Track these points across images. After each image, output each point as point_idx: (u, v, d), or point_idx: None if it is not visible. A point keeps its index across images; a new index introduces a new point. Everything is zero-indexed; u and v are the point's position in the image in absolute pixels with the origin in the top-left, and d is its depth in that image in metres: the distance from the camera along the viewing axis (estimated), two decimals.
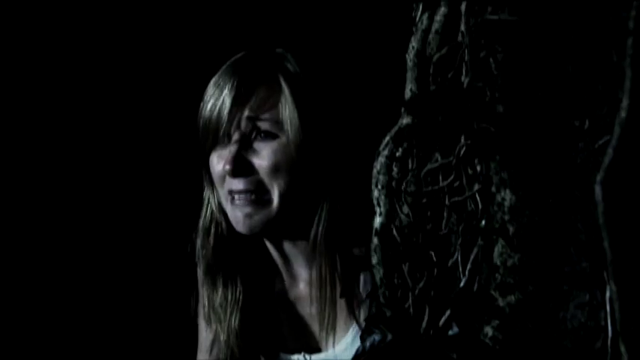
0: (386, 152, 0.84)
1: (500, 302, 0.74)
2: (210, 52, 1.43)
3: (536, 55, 0.70)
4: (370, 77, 1.49)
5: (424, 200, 0.87)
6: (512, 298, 0.73)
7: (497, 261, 0.75)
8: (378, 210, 0.82)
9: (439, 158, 0.84)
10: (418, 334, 0.79)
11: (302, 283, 1.17)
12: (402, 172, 0.87)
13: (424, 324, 0.83)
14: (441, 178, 0.84)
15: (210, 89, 1.12)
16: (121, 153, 1.59)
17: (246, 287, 1.18)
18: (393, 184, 0.86)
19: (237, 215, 1.11)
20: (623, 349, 0.71)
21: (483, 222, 0.75)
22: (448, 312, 0.81)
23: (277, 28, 1.53)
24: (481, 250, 0.78)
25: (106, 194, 1.59)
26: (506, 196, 0.73)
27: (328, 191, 1.11)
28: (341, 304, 1.11)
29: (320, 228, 1.10)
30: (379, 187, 0.83)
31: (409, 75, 0.83)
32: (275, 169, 1.09)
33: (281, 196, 1.09)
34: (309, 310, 1.16)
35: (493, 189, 0.74)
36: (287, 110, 1.09)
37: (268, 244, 1.18)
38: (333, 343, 1.12)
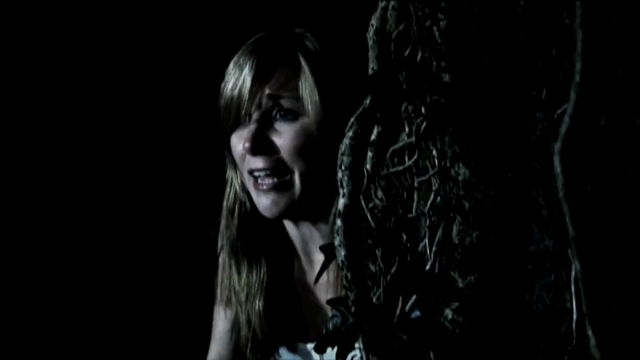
0: (350, 133, 0.82)
1: (460, 283, 0.71)
2: (228, 33, 1.43)
3: (483, 21, 0.67)
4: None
5: (395, 183, 0.85)
6: (471, 278, 0.70)
7: (456, 240, 0.72)
8: (341, 191, 0.81)
9: (405, 138, 0.82)
10: (380, 317, 0.76)
11: (316, 267, 1.16)
12: (376, 155, 0.85)
13: (394, 310, 0.80)
14: (407, 158, 0.82)
15: (231, 69, 1.13)
16: (139, 138, 1.61)
17: (269, 268, 1.18)
18: (368, 167, 0.84)
19: (263, 202, 1.12)
20: (589, 331, 0.66)
21: (439, 199, 0.72)
22: (414, 296, 0.78)
23: (293, 9, 1.52)
24: (443, 229, 0.75)
25: (123, 183, 1.61)
26: (460, 170, 0.70)
27: None
28: None
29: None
30: (342, 168, 0.81)
31: (370, 54, 0.81)
32: (297, 150, 1.09)
33: (302, 178, 1.10)
34: (326, 296, 1.16)
35: (447, 164, 0.71)
36: (307, 88, 1.09)
37: (288, 227, 1.18)
38: None
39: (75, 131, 1.59)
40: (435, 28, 0.68)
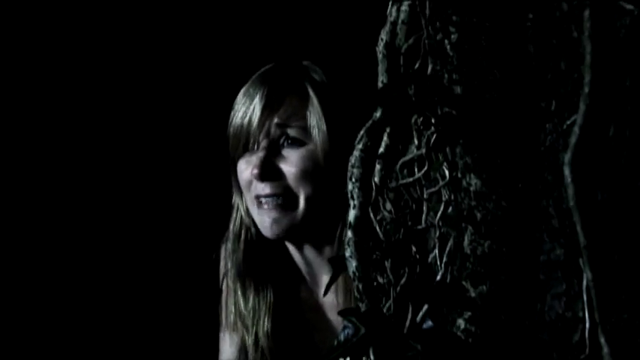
0: (360, 146, 0.83)
1: (472, 293, 0.71)
2: (232, 65, 1.46)
3: (493, 33, 0.69)
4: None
5: (405, 195, 0.86)
6: (483, 288, 0.70)
7: (468, 249, 0.72)
8: (352, 203, 0.81)
9: (415, 150, 0.83)
10: (392, 328, 0.77)
11: (323, 289, 1.18)
12: (385, 167, 0.86)
13: (404, 320, 0.81)
14: (416, 170, 0.83)
15: (241, 98, 1.17)
16: (145, 160, 1.62)
17: (276, 292, 1.19)
18: (376, 180, 0.85)
19: (265, 220, 1.15)
20: (602, 340, 0.67)
21: (450, 209, 0.73)
22: (426, 307, 0.79)
23: (297, 41, 1.55)
24: (454, 240, 0.76)
25: (127, 202, 1.62)
26: (472, 181, 0.71)
27: None
28: None
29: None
30: (353, 180, 0.82)
31: (380, 67, 0.82)
32: (302, 175, 1.12)
33: (307, 201, 1.12)
34: (334, 317, 1.17)
35: (459, 174, 0.72)
36: (315, 118, 1.12)
37: (292, 251, 1.20)
38: None
39: (80, 140, 1.60)
40: (446, 41, 0.69)
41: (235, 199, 1.22)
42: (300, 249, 1.19)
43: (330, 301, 1.18)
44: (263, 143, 1.13)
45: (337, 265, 0.89)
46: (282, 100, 1.13)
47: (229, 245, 1.21)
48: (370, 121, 0.83)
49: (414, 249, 0.84)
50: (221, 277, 1.26)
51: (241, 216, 1.21)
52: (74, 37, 1.59)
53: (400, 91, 0.80)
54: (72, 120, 1.60)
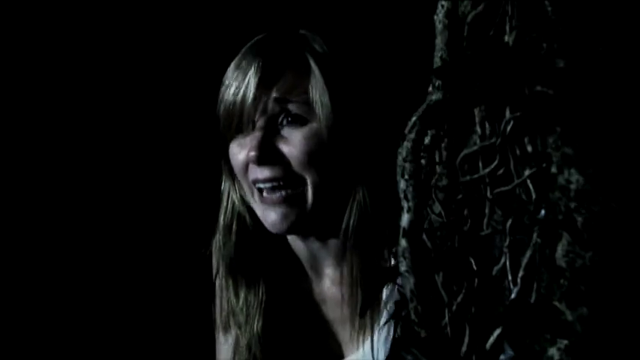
0: (413, 135, 0.68)
1: (569, 316, 0.58)
2: (223, 38, 1.30)
3: None
4: (405, 56, 1.34)
5: (459, 195, 0.71)
6: (583, 310, 0.57)
7: (562, 262, 0.59)
8: (405, 205, 0.67)
9: (477, 141, 0.69)
10: (459, 359, 0.62)
11: (329, 283, 1.06)
12: (430, 162, 0.72)
13: (465, 346, 0.66)
14: (481, 165, 0.69)
15: (232, 72, 1.01)
16: (128, 147, 1.50)
17: (269, 288, 1.07)
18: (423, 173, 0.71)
19: (270, 216, 1.00)
20: None
21: (543, 212, 0.59)
22: (498, 331, 0.64)
23: (293, 8, 1.40)
24: (538, 250, 0.62)
25: (111, 193, 1.52)
26: (572, 178, 0.57)
27: (360, 182, 0.99)
28: (370, 304, 1.01)
29: (351, 222, 1.00)
30: (406, 177, 0.67)
31: (439, 40, 0.68)
32: (307, 158, 0.97)
33: (315, 189, 0.98)
34: (337, 312, 1.05)
35: (553, 169, 0.58)
36: (318, 91, 0.98)
37: (294, 242, 1.07)
38: (363, 344, 1.01)
39: (69, 134, 1.48)
40: (547, 2, 0.55)
41: (225, 186, 1.08)
42: (303, 240, 1.05)
43: (332, 295, 1.05)
44: (260, 122, 0.99)
45: (384, 278, 0.75)
46: (279, 73, 0.98)
47: (219, 238, 1.07)
48: (425, 105, 0.68)
49: (472, 260, 0.70)
50: (214, 272, 1.11)
51: (234, 204, 1.06)
52: (58, 26, 1.44)
53: (466, 69, 0.66)
54: (52, 106, 1.45)
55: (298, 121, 0.98)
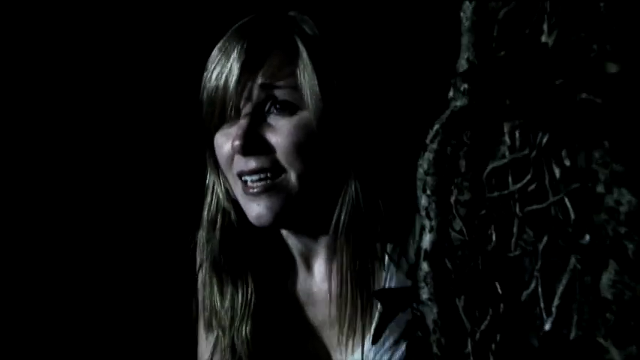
0: (435, 145, 0.61)
1: (616, 355, 0.51)
2: (210, 23, 1.22)
3: None
4: (405, 36, 1.26)
5: (483, 211, 0.64)
6: (633, 349, 0.51)
7: (608, 294, 0.52)
8: (427, 224, 0.60)
9: (507, 153, 0.62)
10: None
11: (319, 279, 1.00)
12: (451, 174, 0.65)
13: None
14: (510, 179, 0.62)
15: (215, 56, 0.94)
16: (112, 141, 1.45)
17: (257, 286, 1.00)
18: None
19: (253, 208, 0.93)
20: None
21: (587, 238, 0.53)
22: None
23: None
24: (578, 277, 0.55)
25: (94, 188, 1.47)
26: (623, 199, 0.50)
27: (353, 173, 0.92)
28: (360, 303, 0.95)
29: (343, 215, 0.93)
30: (428, 192, 0.60)
31: (465, 39, 0.61)
32: (295, 148, 0.90)
33: (301, 179, 0.91)
34: (325, 311, 0.99)
35: (600, 188, 0.51)
36: (306, 76, 0.91)
37: (287, 236, 0.99)
38: (352, 349, 0.95)
39: (57, 132, 1.42)
40: None
41: (210, 179, 1.01)
42: (295, 234, 0.99)
43: (322, 292, 0.99)
44: (245, 109, 0.92)
45: (387, 304, 0.68)
46: (265, 56, 0.91)
47: (203, 234, 1.01)
48: (449, 112, 0.61)
49: (497, 284, 0.64)
50: (197, 267, 1.05)
51: (218, 199, 1.00)
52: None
53: (496, 72, 0.59)
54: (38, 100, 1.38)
55: (286, 108, 0.90)
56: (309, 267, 1.01)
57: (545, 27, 0.55)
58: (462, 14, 0.61)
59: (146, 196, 1.43)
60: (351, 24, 1.04)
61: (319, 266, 1.00)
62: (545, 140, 0.56)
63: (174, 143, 1.38)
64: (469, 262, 0.66)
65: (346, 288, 0.94)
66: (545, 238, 0.59)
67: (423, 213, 0.60)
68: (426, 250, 0.59)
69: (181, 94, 1.11)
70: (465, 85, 0.61)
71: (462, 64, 0.61)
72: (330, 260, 0.98)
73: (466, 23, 0.60)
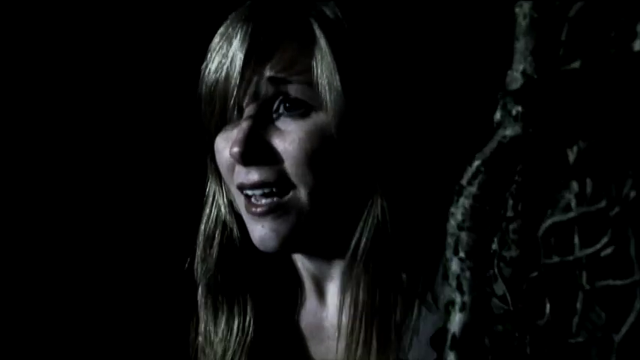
0: (474, 189, 0.45)
1: None
2: (213, 13, 1.09)
3: None
4: (451, 24, 1.09)
5: (535, 273, 0.48)
6: None
7: None
8: (458, 300, 0.43)
9: (574, 203, 0.45)
10: None
11: (331, 310, 0.86)
12: (494, 225, 0.49)
13: None
14: (577, 239, 0.45)
15: (216, 43, 0.79)
16: (109, 144, 1.37)
17: (257, 315, 0.87)
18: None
19: (258, 232, 0.77)
20: None
21: None
22: None
23: None
24: None
25: (90, 191, 1.37)
26: None
27: (379, 189, 0.75)
28: (376, 345, 0.79)
29: (364, 239, 0.77)
30: (461, 254, 0.44)
31: (521, 45, 0.44)
32: (306, 158, 0.75)
33: (313, 197, 0.75)
34: (335, 345, 0.83)
35: None
36: (325, 70, 0.74)
37: (298, 259, 0.85)
38: None
39: (53, 133, 1.35)
40: None
41: (211, 187, 0.87)
42: (307, 258, 0.83)
43: (331, 325, 0.84)
44: (249, 109, 0.77)
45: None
46: (275, 45, 0.76)
47: (199, 251, 0.87)
48: (495, 144, 0.45)
49: None
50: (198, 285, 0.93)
51: (218, 211, 0.86)
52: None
53: (563, 90, 0.42)
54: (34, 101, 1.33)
55: (299, 108, 0.73)
56: (321, 295, 0.86)
57: (639, 28, 0.38)
58: (516, 10, 0.44)
59: (146, 199, 1.34)
60: (382, 6, 0.87)
61: (333, 296, 0.85)
62: (633, 193, 0.39)
63: (174, 143, 1.28)
64: (512, 341, 0.49)
65: (360, 325, 0.78)
66: (624, 329, 0.42)
67: (453, 283, 0.43)
68: (454, 336, 0.43)
69: (183, 88, 0.98)
70: (519, 108, 0.44)
71: (516, 79, 0.44)
72: (342, 290, 0.83)
73: (523, 22, 0.43)
